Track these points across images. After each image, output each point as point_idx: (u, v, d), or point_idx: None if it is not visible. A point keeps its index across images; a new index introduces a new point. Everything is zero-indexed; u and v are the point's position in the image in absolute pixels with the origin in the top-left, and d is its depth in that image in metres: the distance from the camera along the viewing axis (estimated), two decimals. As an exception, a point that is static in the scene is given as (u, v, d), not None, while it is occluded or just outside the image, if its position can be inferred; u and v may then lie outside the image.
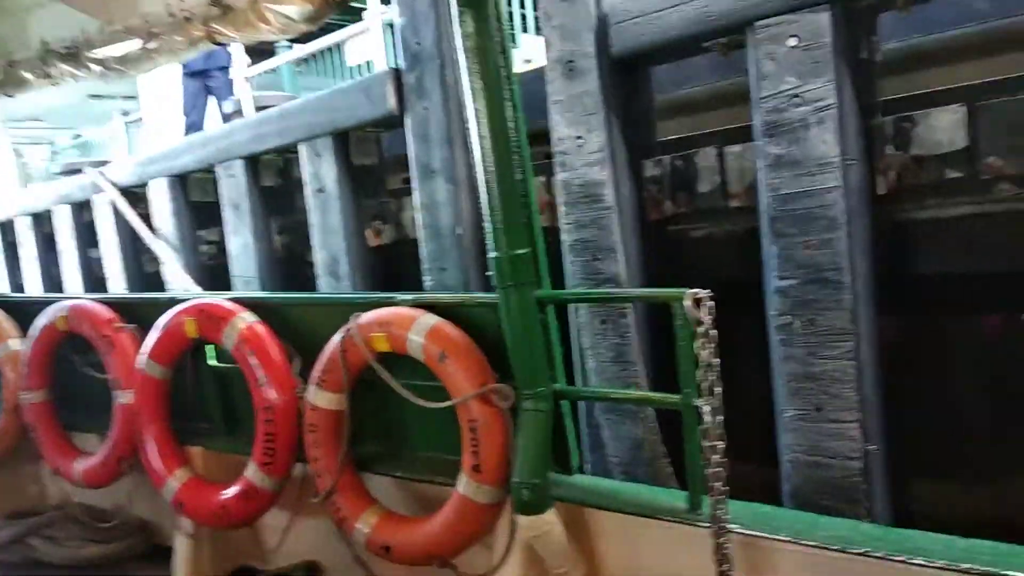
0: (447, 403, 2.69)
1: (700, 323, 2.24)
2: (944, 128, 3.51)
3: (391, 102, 5.38)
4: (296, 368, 3.25)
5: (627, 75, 4.32)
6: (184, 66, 9.50)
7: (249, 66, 10.55)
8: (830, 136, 3.52)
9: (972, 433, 4.33)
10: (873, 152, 3.68)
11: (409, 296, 3.05)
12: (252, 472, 3.24)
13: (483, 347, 2.77)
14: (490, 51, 2.44)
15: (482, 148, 2.49)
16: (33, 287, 9.89)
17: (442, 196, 5.20)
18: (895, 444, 3.90)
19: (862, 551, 2.07)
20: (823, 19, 3.46)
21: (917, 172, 3.61)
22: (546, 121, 4.45)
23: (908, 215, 3.75)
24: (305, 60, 11.31)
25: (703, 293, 2.25)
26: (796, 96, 3.58)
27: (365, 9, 9.43)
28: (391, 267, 6.18)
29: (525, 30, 8.99)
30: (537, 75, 4.51)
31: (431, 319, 2.81)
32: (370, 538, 2.90)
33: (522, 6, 8.48)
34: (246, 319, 3.33)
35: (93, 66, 3.56)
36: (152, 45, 3.28)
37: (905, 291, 3.96)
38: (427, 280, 5.28)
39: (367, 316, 2.93)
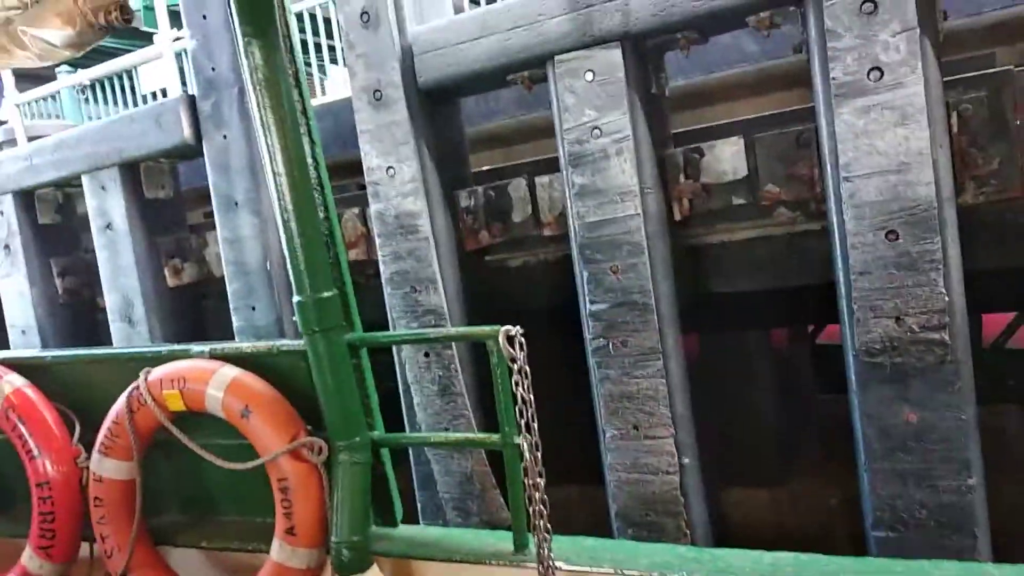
0: (254, 463, 2.48)
1: (514, 360, 2.22)
2: (727, 159, 3.79)
3: (186, 131, 5.00)
4: (76, 435, 2.88)
5: (436, 106, 4.30)
6: None
7: (20, 92, 9.46)
8: (628, 166, 3.69)
9: (768, 440, 4.69)
10: (667, 181, 3.90)
11: (206, 347, 2.80)
12: (28, 558, 2.82)
13: (293, 398, 2.59)
14: (282, 83, 2.29)
15: (277, 186, 2.33)
16: None
17: (247, 230, 4.89)
18: (707, 456, 4.13)
19: (680, 574, 2.13)
20: (616, 55, 3.63)
21: (707, 199, 3.87)
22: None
23: (702, 239, 4.01)
24: (91, 87, 10.33)
25: (514, 330, 2.23)
26: (596, 128, 3.72)
27: (157, 33, 8.77)
28: (195, 308, 5.72)
29: (335, 61, 8.75)
30: (348, 104, 4.39)
31: (231, 371, 2.59)
32: (169, 621, 2.61)
33: (329, 37, 8.24)
34: (13, 382, 2.92)
35: None
36: None
37: (704, 310, 4.23)
38: (235, 321, 4.94)
39: (158, 371, 2.65)
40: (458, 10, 4.79)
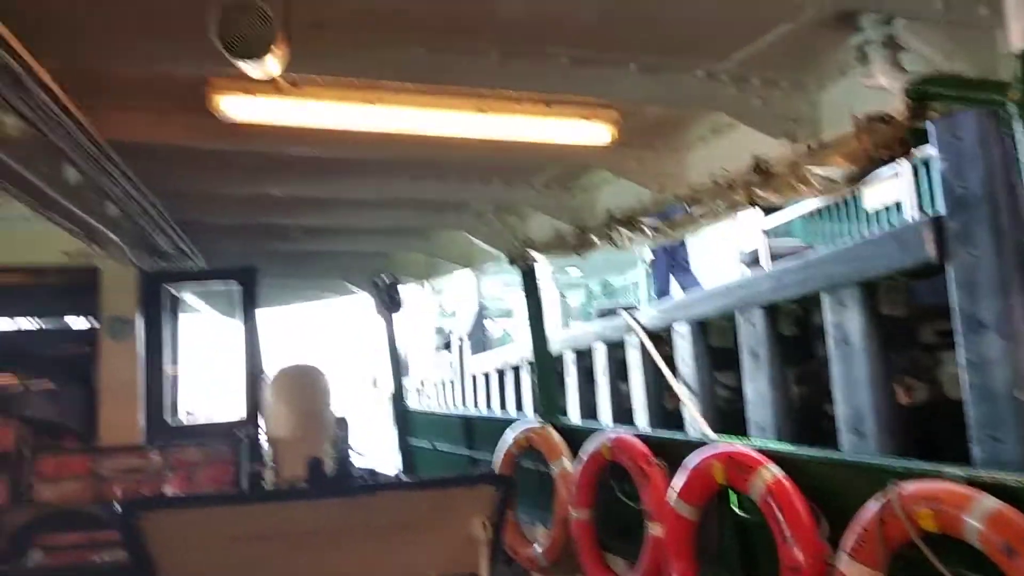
0: (1019, 609, 2.27)
1: None
2: None
3: (930, 250, 5.00)
4: (823, 532, 3.12)
5: None
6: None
7: (765, 217, 10.96)
8: None
9: None
10: None
11: (961, 471, 2.72)
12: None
13: (1066, 547, 2.29)
14: None
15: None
16: (574, 411, 11.51)
17: (995, 353, 4.54)
18: None
19: None
20: None
21: None
22: None
23: None
24: (818, 209, 11.26)
25: None
26: None
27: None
28: (926, 430, 5.55)
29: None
30: None
31: (992, 503, 2.45)
32: None
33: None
34: (773, 471, 3.35)
35: (646, 230, 4.17)
36: (696, 210, 3.71)
37: None
38: (975, 451, 4.59)
39: (909, 487, 2.69)
40: None
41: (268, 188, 6.87)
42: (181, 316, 6.97)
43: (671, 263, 11.62)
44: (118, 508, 2.86)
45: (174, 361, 6.38)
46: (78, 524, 4.47)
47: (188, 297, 7.94)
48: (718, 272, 11.38)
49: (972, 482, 2.62)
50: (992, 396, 4.49)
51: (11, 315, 6.67)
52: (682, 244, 11.54)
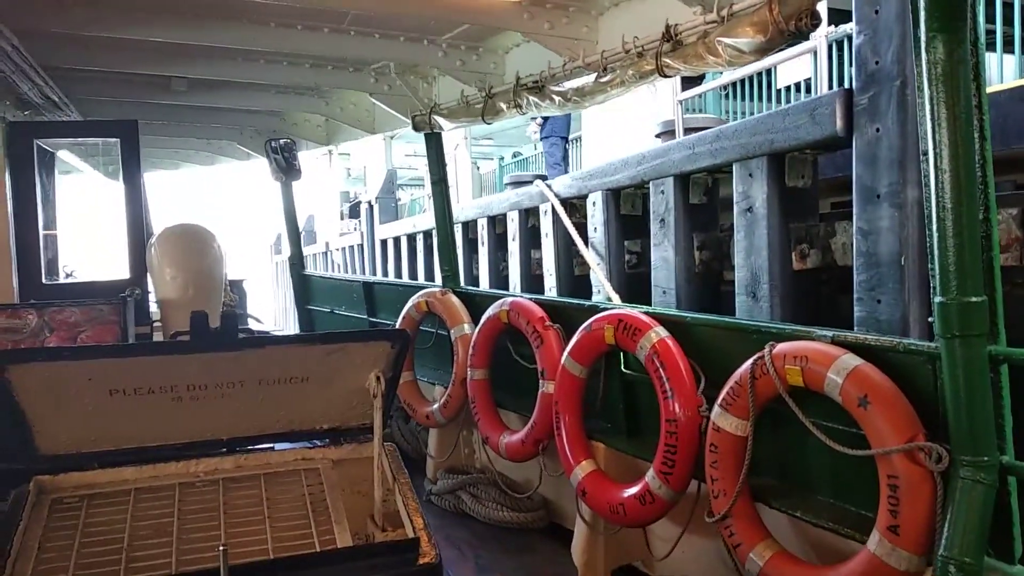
0: (866, 452, 2.46)
1: None
2: None
3: (838, 123, 5.08)
4: (701, 387, 3.28)
5: None
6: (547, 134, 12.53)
7: (681, 92, 10.86)
8: None
9: None
10: None
11: (829, 332, 2.86)
12: (651, 478, 3.35)
13: (913, 400, 2.47)
14: (961, 78, 2.15)
15: (938, 181, 2.21)
16: (485, 278, 11.62)
17: (886, 223, 4.74)
18: None
19: None
20: None
21: None
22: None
23: None
24: (732, 84, 11.25)
25: None
26: None
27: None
28: (814, 293, 5.85)
29: (993, 49, 7.68)
30: (1016, 95, 3.86)
31: (853, 360, 2.60)
32: (763, 572, 2.78)
33: (991, 21, 7.24)
34: (659, 333, 3.45)
35: (555, 97, 4.03)
36: (606, 78, 3.59)
37: None
38: (857, 311, 4.87)
39: (783, 347, 2.82)
40: None
41: (146, 33, 6.30)
42: (60, 175, 6.48)
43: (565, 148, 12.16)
44: None
45: (51, 220, 5.99)
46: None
47: (67, 156, 7.37)
48: (627, 143, 11.43)
49: (837, 342, 2.77)
50: (878, 262, 4.73)
51: None
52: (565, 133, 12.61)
